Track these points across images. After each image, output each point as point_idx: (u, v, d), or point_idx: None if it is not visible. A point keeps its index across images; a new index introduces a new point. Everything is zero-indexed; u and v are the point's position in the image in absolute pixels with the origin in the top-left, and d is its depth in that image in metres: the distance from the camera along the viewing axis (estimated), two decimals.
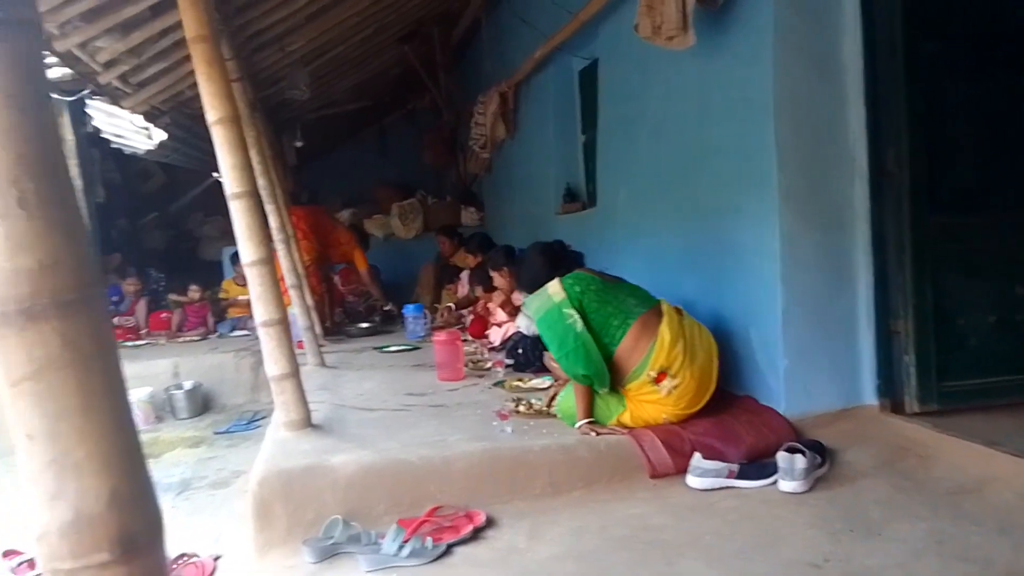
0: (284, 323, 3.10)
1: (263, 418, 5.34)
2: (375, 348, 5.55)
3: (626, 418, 3.00)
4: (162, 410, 5.76)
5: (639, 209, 4.38)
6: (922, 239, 2.99)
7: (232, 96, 3.05)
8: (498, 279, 4.90)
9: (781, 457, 2.63)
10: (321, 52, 6.24)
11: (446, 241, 7.45)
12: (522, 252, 4.52)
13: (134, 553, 0.79)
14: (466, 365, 4.34)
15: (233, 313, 7.57)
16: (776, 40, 2.99)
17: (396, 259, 8.33)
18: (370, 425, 3.26)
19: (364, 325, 6.52)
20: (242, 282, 7.40)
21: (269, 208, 4.67)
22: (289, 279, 4.80)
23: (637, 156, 4.34)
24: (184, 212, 11.07)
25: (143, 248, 9.87)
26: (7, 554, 3.10)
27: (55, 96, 5.53)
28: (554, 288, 3.06)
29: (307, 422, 3.11)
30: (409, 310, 6.01)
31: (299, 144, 8.18)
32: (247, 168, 3.05)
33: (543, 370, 4.02)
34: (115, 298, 7.51)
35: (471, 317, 5.79)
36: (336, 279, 7.27)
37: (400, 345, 5.57)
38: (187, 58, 4.36)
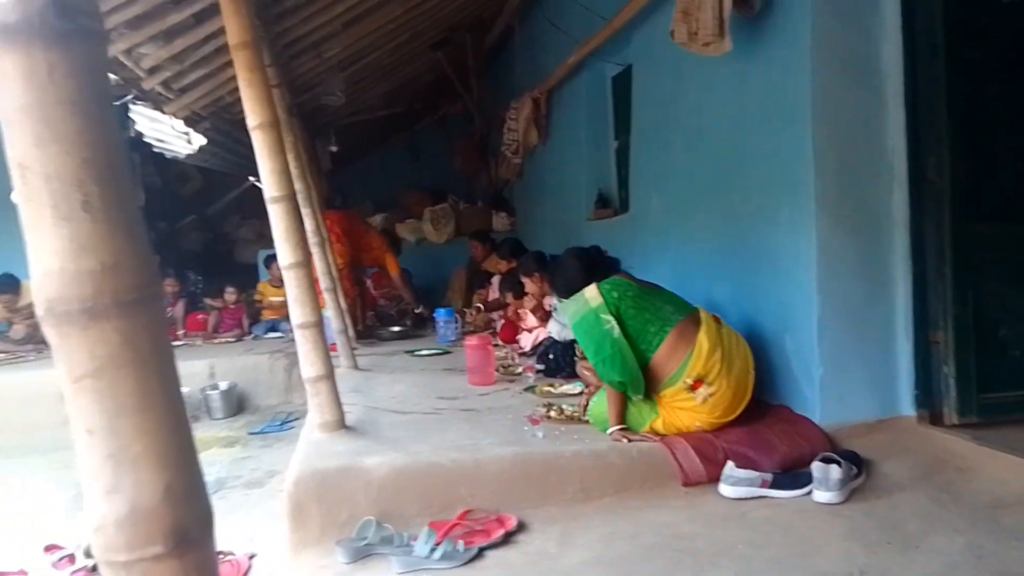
0: (320, 325, 3.14)
1: (296, 419, 5.41)
2: (406, 352, 5.59)
3: (658, 425, 2.99)
4: (198, 410, 5.84)
5: (672, 215, 4.36)
6: (963, 248, 2.95)
7: (272, 102, 3.10)
8: (529, 284, 4.91)
9: (816, 467, 2.60)
10: (356, 58, 6.32)
11: (478, 246, 7.49)
12: (553, 258, 4.52)
13: (186, 546, 0.81)
14: (497, 370, 4.35)
15: (267, 315, 7.67)
16: (814, 46, 2.97)
17: (428, 264, 8.38)
18: (402, 428, 3.28)
19: (395, 329, 6.57)
20: (276, 284, 7.51)
21: (305, 212, 4.72)
22: (324, 282, 4.86)
23: (671, 162, 4.33)
24: (221, 215, 11.25)
25: (181, 250, 10.03)
26: (48, 548, 3.18)
27: None
28: (591, 293, 3.06)
29: (341, 424, 3.15)
30: (440, 314, 6.05)
31: (333, 149, 8.28)
32: (286, 172, 3.10)
33: (574, 375, 4.01)
34: None
35: (502, 322, 5.81)
36: (368, 283, 7.33)
37: (431, 349, 5.60)
38: (227, 64, 4.46)
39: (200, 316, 7.58)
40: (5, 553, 3.17)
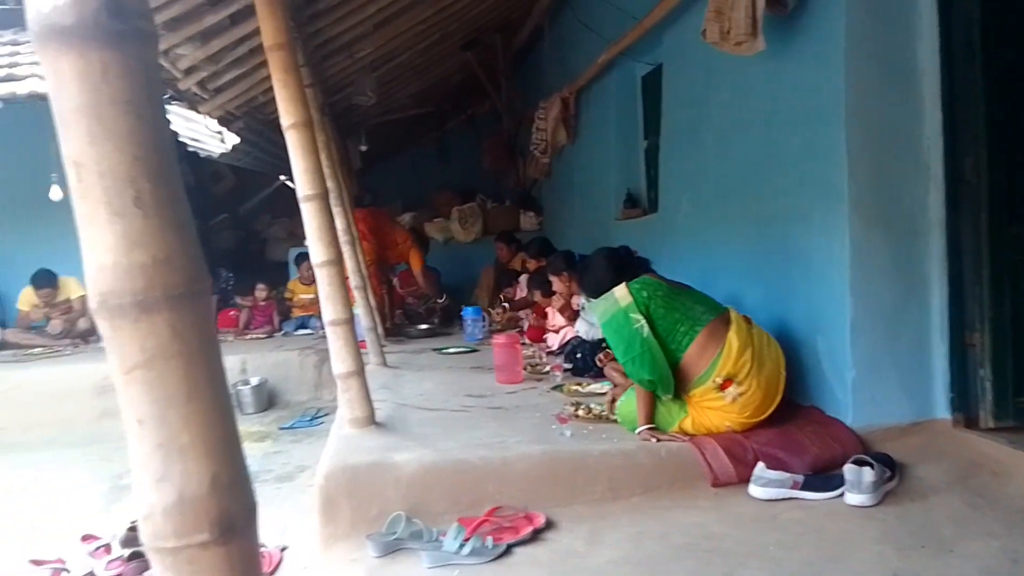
0: (351, 323, 3.17)
1: (326, 415, 5.47)
2: (434, 349, 5.62)
3: (687, 424, 2.99)
4: None
5: (702, 215, 4.34)
6: (1001, 250, 2.90)
7: (306, 102, 3.14)
8: (557, 283, 4.91)
9: (848, 469, 2.58)
10: (387, 59, 6.37)
11: (503, 248, 7.51)
12: (582, 257, 4.52)
13: (232, 535, 0.83)
14: (525, 368, 4.36)
15: (297, 312, 7.76)
16: (848, 45, 2.94)
17: (456, 263, 8.42)
18: (431, 424, 3.31)
19: (423, 326, 6.62)
20: (306, 282, 7.59)
21: (336, 210, 4.76)
22: (354, 280, 4.91)
23: (701, 162, 4.31)
24: (252, 214, 11.39)
25: (214, 248, 10.16)
26: (85, 538, 3.26)
27: None
28: (621, 292, 3.06)
29: (371, 420, 3.18)
30: (468, 312, 6.07)
31: (364, 148, 8.34)
32: (318, 171, 3.13)
33: (602, 374, 4.01)
34: None
35: (528, 321, 5.82)
36: (395, 281, 7.39)
37: (459, 347, 5.63)
38: (262, 64, 4.53)
39: (232, 313, 7.69)
40: (43, 543, 3.26)
